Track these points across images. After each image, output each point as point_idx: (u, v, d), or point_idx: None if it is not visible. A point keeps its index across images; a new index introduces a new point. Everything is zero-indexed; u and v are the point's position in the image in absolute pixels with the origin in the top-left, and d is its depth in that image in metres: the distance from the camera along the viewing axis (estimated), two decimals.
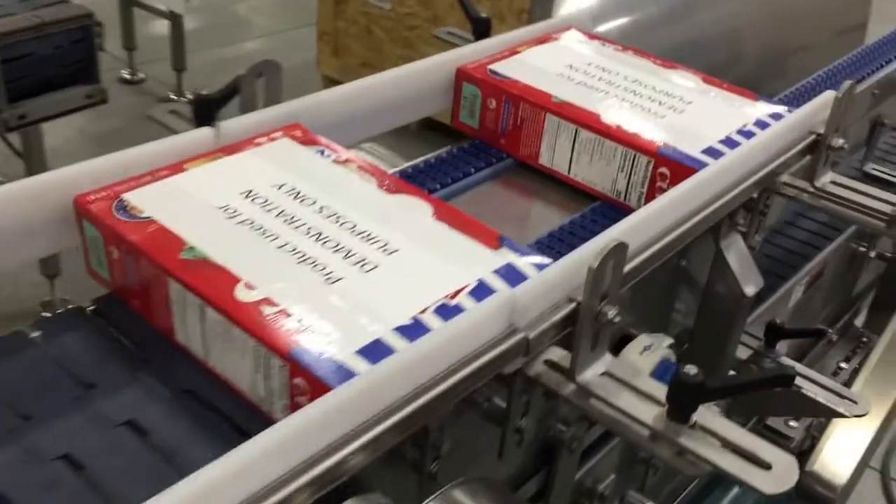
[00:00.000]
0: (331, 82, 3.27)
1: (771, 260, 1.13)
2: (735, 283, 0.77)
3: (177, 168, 0.71)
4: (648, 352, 0.69)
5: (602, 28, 1.29)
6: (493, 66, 0.92)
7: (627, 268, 0.61)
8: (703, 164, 0.77)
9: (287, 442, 0.46)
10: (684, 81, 0.93)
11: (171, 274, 0.60)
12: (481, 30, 0.95)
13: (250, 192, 0.69)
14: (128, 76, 3.32)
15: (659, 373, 0.67)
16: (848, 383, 1.29)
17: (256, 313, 0.57)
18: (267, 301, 0.58)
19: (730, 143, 0.82)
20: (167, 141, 0.72)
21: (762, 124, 0.86)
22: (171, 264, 0.61)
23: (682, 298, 0.84)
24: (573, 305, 0.59)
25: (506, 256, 0.64)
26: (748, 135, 0.83)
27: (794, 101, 1.10)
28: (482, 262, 0.63)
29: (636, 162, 0.82)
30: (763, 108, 0.89)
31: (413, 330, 0.56)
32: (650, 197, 0.81)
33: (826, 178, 0.81)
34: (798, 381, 0.90)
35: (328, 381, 0.52)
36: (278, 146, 0.75)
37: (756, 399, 0.98)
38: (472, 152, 0.93)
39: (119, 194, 0.67)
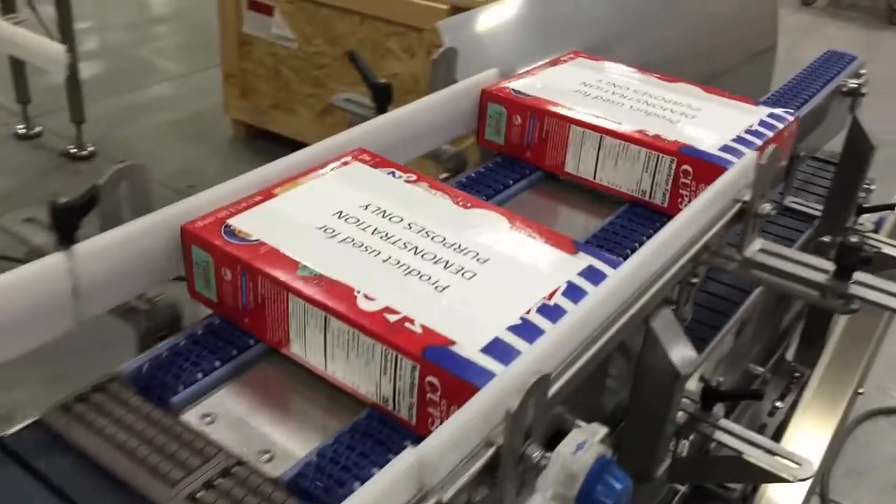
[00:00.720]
0: (241, 126, 3.17)
1: (699, 308, 1.09)
2: (667, 361, 0.73)
3: (267, 194, 0.76)
4: (582, 451, 0.63)
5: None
6: (513, 86, 1.00)
7: (552, 391, 0.56)
8: (723, 161, 0.84)
9: None
10: (688, 92, 1.02)
11: (292, 290, 0.65)
12: (382, 97, 0.88)
13: (342, 212, 0.73)
14: (23, 131, 3.16)
15: (594, 474, 0.60)
16: (784, 423, 1.26)
17: (382, 320, 0.62)
18: (388, 310, 0.62)
19: (742, 140, 0.91)
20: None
21: (766, 124, 0.95)
22: (290, 280, 0.65)
23: (614, 377, 0.78)
24: (493, 450, 0.53)
25: (585, 260, 0.70)
26: (757, 134, 0.93)
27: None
28: (565, 265, 0.70)
29: (660, 162, 0.89)
30: (763, 111, 0.99)
31: (524, 328, 0.62)
32: (674, 194, 0.89)
33: (755, 247, 0.77)
34: (739, 445, 0.85)
35: (464, 376, 0.58)
36: (353, 170, 0.81)
37: (697, 465, 0.93)
38: (504, 166, 1.00)
39: (224, 220, 0.71)
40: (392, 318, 0.62)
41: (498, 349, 0.60)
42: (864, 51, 4.87)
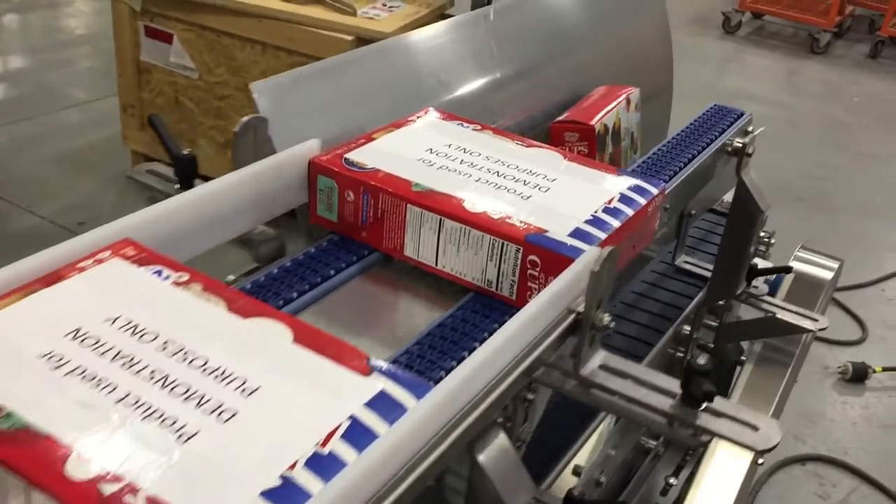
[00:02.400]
0: (140, 158, 3.02)
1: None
2: (498, 501, 0.61)
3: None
4: None
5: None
6: (348, 156, 0.89)
7: None
8: (573, 251, 0.76)
9: None
10: (546, 159, 0.92)
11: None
12: (186, 170, 0.77)
13: (78, 330, 0.60)
14: None
15: None
16: (679, 501, 1.16)
17: (95, 492, 0.48)
18: (108, 476, 0.49)
19: (598, 222, 0.82)
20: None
21: (627, 200, 0.86)
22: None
23: None
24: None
25: (378, 383, 0.58)
26: (615, 213, 0.84)
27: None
28: (353, 392, 0.57)
29: (505, 251, 0.80)
30: (625, 182, 0.89)
31: (283, 492, 0.50)
32: (522, 286, 0.80)
33: (594, 363, 0.66)
34: None
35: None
36: (107, 269, 0.66)
37: None
38: (331, 250, 0.88)
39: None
40: (110, 487, 0.48)
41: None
42: (786, 78, 4.91)
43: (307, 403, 0.56)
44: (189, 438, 0.52)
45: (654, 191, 0.89)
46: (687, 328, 1.19)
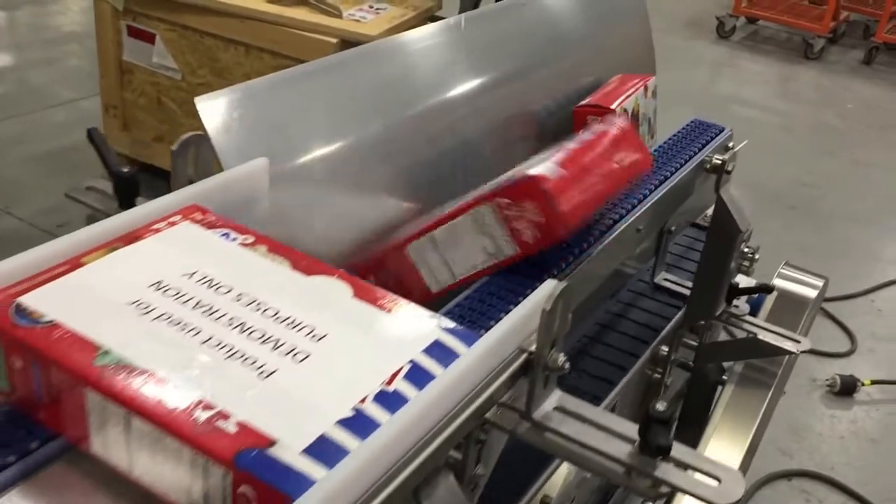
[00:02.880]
0: (123, 160, 2.97)
1: None
2: None
3: (74, 263, 0.65)
4: None
5: None
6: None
7: None
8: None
9: None
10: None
11: (88, 382, 0.56)
12: (126, 187, 0.72)
13: (160, 283, 0.64)
14: None
15: None
16: None
17: (190, 418, 0.53)
18: (201, 404, 0.54)
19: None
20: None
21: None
22: (86, 372, 0.56)
23: None
24: None
25: (433, 334, 0.63)
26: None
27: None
28: (411, 341, 0.62)
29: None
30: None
31: (356, 422, 0.55)
32: None
33: (548, 405, 0.62)
34: None
35: (278, 485, 0.50)
36: (180, 231, 0.71)
37: None
38: (8, 427, 0.60)
39: (14, 298, 0.61)
40: (204, 414, 0.53)
41: (323, 450, 0.52)
42: (780, 84, 4.88)
43: (371, 349, 0.61)
44: (269, 375, 0.57)
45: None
46: (665, 349, 1.15)
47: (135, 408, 0.54)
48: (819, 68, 5.04)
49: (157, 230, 0.70)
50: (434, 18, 2.91)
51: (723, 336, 1.40)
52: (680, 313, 1.18)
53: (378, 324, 0.63)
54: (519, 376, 0.60)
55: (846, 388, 2.42)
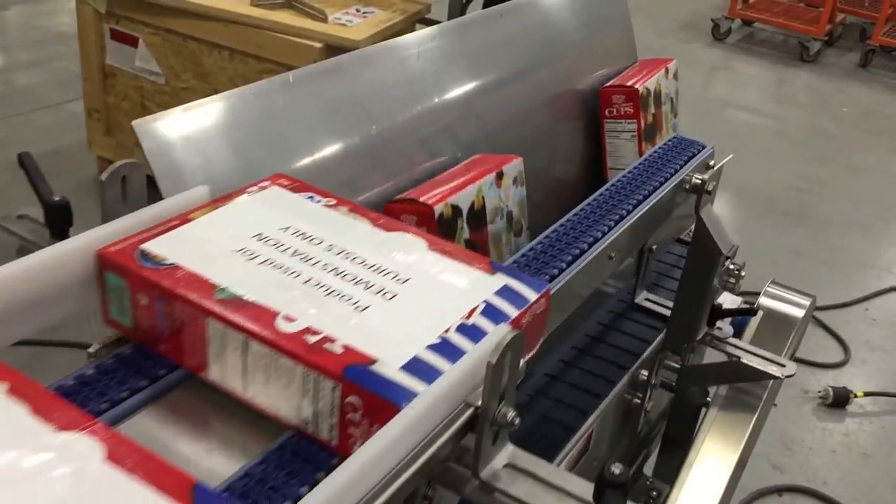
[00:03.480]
0: (106, 164, 2.93)
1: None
2: None
3: (184, 219, 0.74)
4: None
5: None
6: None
7: None
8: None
9: None
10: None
11: (210, 313, 0.64)
12: (57, 217, 0.68)
13: (261, 234, 0.73)
14: None
15: None
16: None
17: (302, 341, 0.61)
18: (308, 330, 0.62)
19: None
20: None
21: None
22: (207, 304, 0.64)
23: None
24: None
25: (501, 279, 0.72)
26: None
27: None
28: (483, 285, 0.71)
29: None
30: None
31: (443, 347, 0.63)
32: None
33: (497, 462, 0.58)
34: None
35: (384, 394, 0.58)
36: (270, 193, 0.80)
37: None
38: (126, 363, 0.68)
39: (138, 244, 0.70)
40: (312, 338, 0.62)
41: (418, 368, 0.60)
42: (775, 87, 4.84)
43: (450, 291, 0.69)
44: (364, 310, 0.65)
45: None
46: (644, 373, 1.11)
47: (252, 334, 0.62)
48: (815, 71, 5.00)
49: (251, 192, 0.79)
50: (428, 21, 2.87)
51: (707, 354, 1.37)
52: (661, 336, 1.14)
53: (453, 271, 0.72)
54: (466, 432, 0.56)
55: (839, 400, 2.38)
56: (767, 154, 3.85)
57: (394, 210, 1.00)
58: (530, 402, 0.99)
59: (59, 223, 0.72)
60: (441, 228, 0.97)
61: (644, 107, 1.46)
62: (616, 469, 0.50)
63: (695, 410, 1.30)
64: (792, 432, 2.30)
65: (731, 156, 1.19)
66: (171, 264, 0.67)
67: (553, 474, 0.56)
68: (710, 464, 1.19)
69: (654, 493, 1.25)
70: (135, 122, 0.70)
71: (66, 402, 0.54)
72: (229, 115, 0.84)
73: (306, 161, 0.91)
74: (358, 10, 2.71)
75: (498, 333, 0.55)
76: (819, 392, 2.41)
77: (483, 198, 1.05)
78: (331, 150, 0.90)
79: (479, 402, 0.56)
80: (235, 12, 2.50)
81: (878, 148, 4.10)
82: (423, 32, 1.05)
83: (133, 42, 2.72)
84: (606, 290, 1.18)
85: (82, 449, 0.51)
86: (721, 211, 3.51)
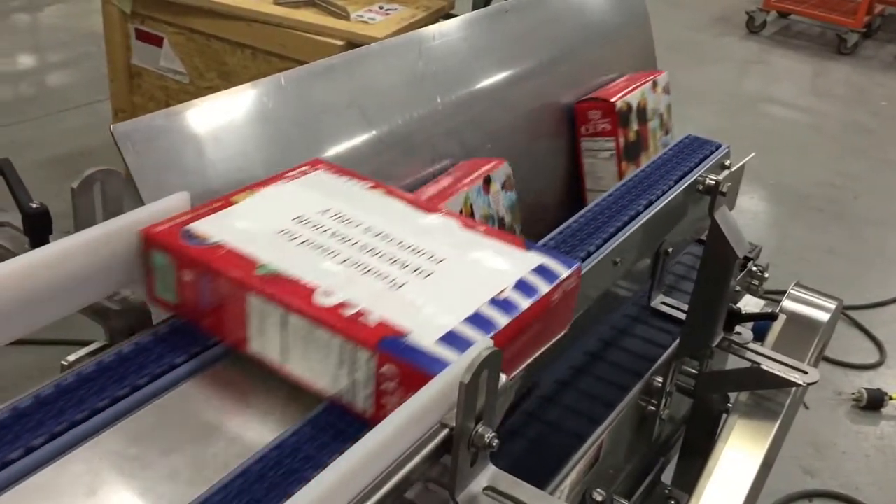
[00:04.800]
0: None
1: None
2: None
3: (226, 202, 0.77)
4: None
5: None
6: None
7: None
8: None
9: None
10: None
11: (251, 288, 0.67)
12: (36, 226, 0.67)
13: (301, 216, 0.76)
14: None
15: None
16: None
17: (338, 314, 0.65)
18: (345, 304, 0.65)
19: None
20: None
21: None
22: (249, 280, 0.68)
23: None
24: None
25: (535, 258, 0.74)
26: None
27: None
28: (517, 262, 0.73)
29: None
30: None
31: (478, 319, 0.66)
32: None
33: (476, 485, 0.55)
34: None
35: (418, 363, 0.61)
36: (310, 178, 0.83)
37: None
38: (168, 338, 0.73)
39: (184, 225, 0.73)
40: (349, 311, 0.65)
41: (453, 341, 0.63)
42: (811, 81, 4.74)
43: (484, 269, 0.72)
44: (400, 287, 0.68)
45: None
46: (659, 379, 1.07)
47: (291, 307, 0.65)
48: (852, 64, 4.89)
49: (291, 177, 0.82)
50: (450, 16, 2.84)
51: (730, 359, 1.32)
52: (677, 341, 1.10)
53: (488, 250, 0.74)
54: (442, 453, 0.53)
55: (873, 403, 2.31)
56: (802, 149, 3.77)
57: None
58: (540, 409, 0.97)
59: (38, 230, 0.70)
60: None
61: (624, 123, 1.33)
62: (598, 496, 0.47)
63: (715, 417, 1.26)
64: (824, 435, 2.24)
65: (752, 154, 1.14)
66: (215, 243, 0.71)
67: (536, 499, 0.53)
68: (730, 473, 1.15)
69: (673, 501, 1.21)
70: (114, 126, 0.68)
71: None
72: (208, 120, 0.82)
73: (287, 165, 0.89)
74: (381, 8, 2.69)
75: (473, 351, 0.53)
76: (853, 394, 2.35)
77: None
78: (327, 152, 0.88)
79: (454, 423, 0.53)
80: (259, 11, 2.49)
81: None
82: (412, 35, 1.02)
83: (158, 42, 2.73)
84: (621, 293, 1.14)
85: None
86: (753, 208, 3.45)
